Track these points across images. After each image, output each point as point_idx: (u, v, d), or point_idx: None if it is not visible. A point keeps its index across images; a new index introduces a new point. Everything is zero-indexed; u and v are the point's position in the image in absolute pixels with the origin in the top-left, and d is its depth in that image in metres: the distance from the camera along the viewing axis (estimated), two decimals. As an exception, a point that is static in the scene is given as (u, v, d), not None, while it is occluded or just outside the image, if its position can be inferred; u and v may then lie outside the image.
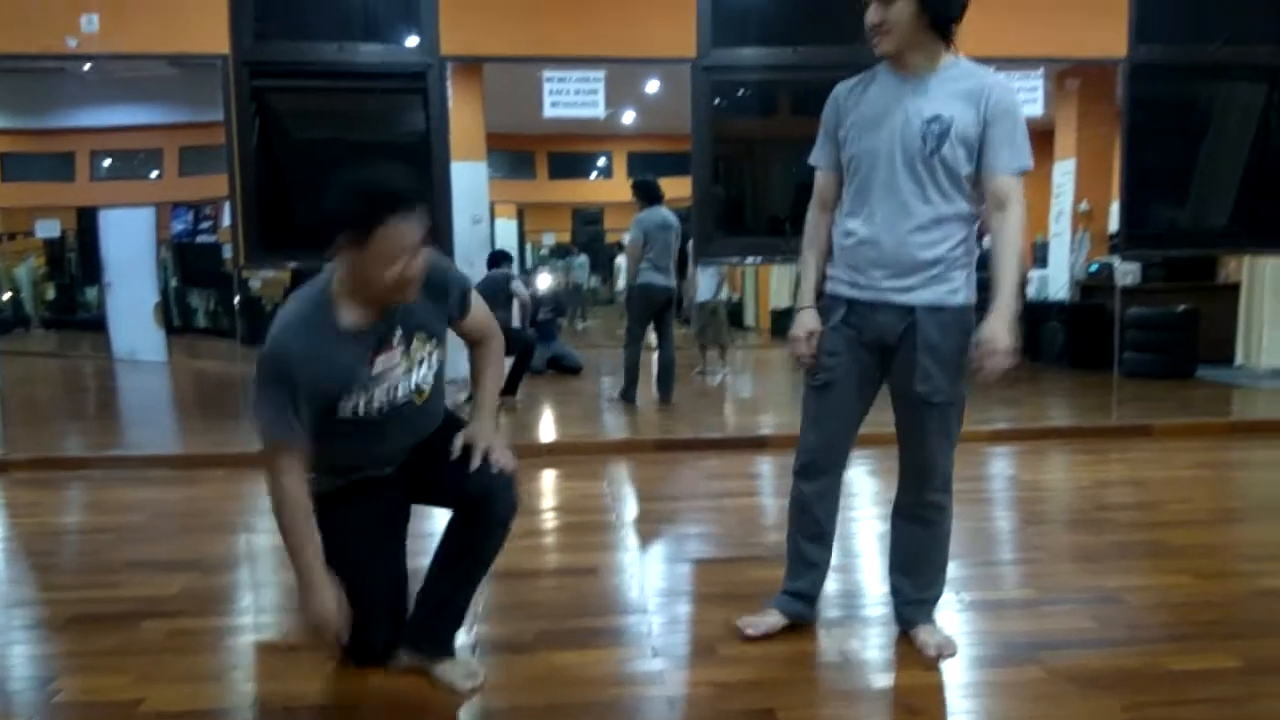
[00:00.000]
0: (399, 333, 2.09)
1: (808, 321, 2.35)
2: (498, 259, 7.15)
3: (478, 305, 2.27)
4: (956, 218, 2.20)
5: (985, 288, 2.20)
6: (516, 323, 7.00)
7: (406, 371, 2.13)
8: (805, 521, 2.45)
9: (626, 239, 6.73)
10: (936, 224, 2.18)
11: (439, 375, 2.24)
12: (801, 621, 2.50)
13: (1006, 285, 2.13)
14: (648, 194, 6.48)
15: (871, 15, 2.17)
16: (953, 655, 2.31)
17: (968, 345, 2.20)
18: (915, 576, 2.40)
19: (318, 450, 2.07)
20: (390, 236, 1.91)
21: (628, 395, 6.41)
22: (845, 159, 2.29)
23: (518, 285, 7.03)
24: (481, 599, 2.79)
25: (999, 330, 2.11)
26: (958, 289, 2.21)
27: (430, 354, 2.18)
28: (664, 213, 6.42)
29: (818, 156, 2.39)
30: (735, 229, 5.89)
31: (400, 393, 2.13)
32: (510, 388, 6.66)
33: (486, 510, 2.17)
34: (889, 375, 2.31)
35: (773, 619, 2.47)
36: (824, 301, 2.35)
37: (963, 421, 2.33)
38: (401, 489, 2.29)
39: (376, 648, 2.25)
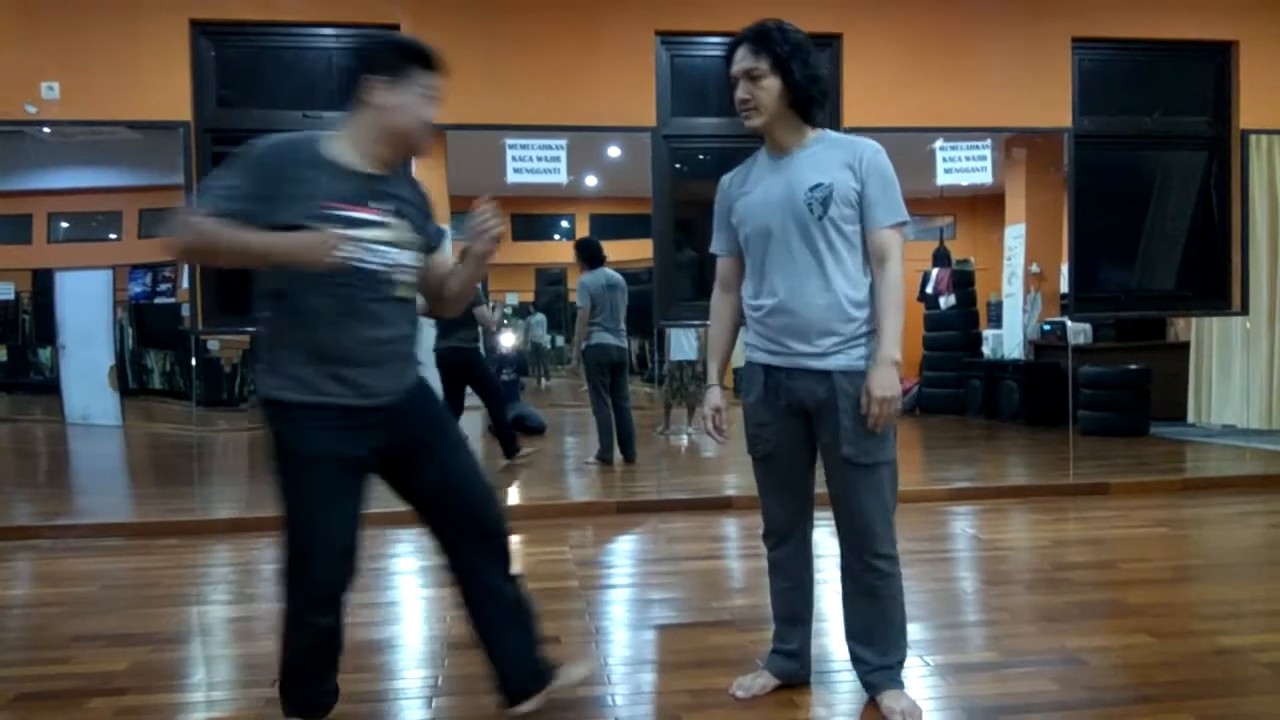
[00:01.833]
0: (388, 204, 2.07)
1: (714, 399, 2.47)
2: None
3: (446, 248, 2.29)
4: (856, 280, 2.28)
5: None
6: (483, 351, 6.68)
7: (389, 243, 2.06)
8: (781, 582, 2.51)
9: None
10: (837, 287, 2.26)
11: (411, 298, 2.16)
12: (794, 680, 2.52)
13: (888, 334, 2.24)
14: (590, 256, 6.57)
15: (740, 91, 2.31)
16: None
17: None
18: (875, 644, 2.39)
19: (291, 305, 2.01)
20: (425, 82, 2.09)
21: (604, 457, 6.41)
22: (741, 240, 2.41)
23: (482, 310, 6.58)
24: (439, 672, 2.74)
25: (884, 378, 2.21)
26: (872, 353, 2.27)
27: (410, 247, 2.12)
28: (608, 273, 6.50)
29: (717, 244, 2.51)
30: (697, 291, 5.95)
31: (373, 259, 2.02)
32: (509, 449, 6.55)
33: (479, 526, 2.21)
34: (817, 439, 2.35)
35: (764, 680, 2.52)
36: (744, 370, 2.44)
37: (897, 482, 2.36)
38: (369, 467, 2.15)
39: (325, 590, 2.12)
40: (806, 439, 2.37)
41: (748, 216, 2.36)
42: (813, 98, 2.31)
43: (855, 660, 2.44)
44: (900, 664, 2.41)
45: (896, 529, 2.36)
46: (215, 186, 1.99)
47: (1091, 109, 5.78)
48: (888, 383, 2.20)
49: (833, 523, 2.38)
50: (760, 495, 2.49)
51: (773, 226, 2.30)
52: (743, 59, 2.30)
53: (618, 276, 6.55)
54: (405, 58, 2.07)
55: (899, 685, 2.39)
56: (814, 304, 2.26)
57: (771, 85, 2.27)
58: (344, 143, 2.07)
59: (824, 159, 2.30)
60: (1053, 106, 5.70)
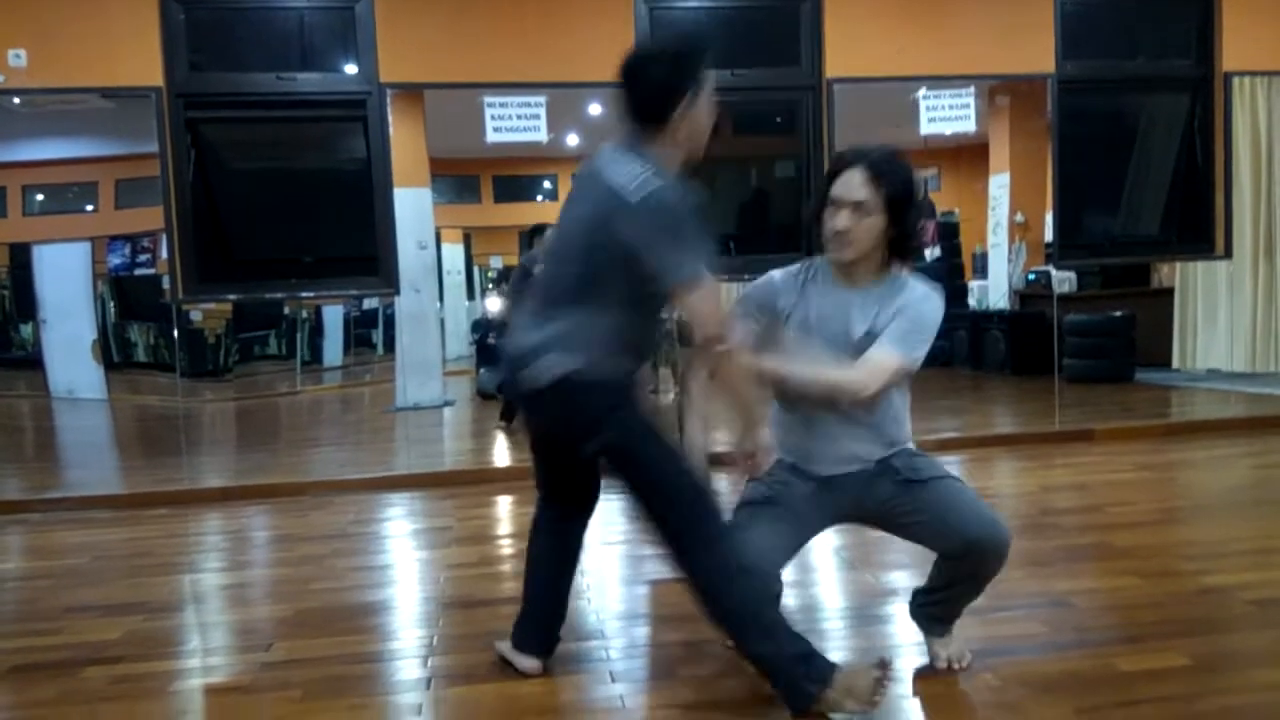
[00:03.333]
0: None
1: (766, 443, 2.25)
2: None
3: None
4: (897, 422, 2.24)
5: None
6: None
7: None
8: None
9: None
10: (876, 427, 2.21)
11: None
12: None
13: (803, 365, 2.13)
14: None
15: (842, 221, 2.10)
16: (965, 666, 2.32)
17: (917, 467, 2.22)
18: (947, 593, 2.32)
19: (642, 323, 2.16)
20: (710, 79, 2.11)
21: None
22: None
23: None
24: (435, 632, 2.75)
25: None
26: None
27: None
28: None
29: (745, 309, 2.29)
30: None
31: None
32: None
33: None
34: (874, 519, 2.32)
35: None
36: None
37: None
38: None
39: None
40: (820, 512, 2.30)
41: (802, 339, 2.21)
42: (910, 248, 2.17)
43: (921, 594, 2.38)
44: (958, 617, 2.37)
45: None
46: (708, 249, 2.06)
47: (1074, 54, 5.74)
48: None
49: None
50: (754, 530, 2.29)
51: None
52: (856, 185, 2.09)
53: None
54: (701, 57, 2.11)
55: (950, 631, 2.37)
56: (845, 438, 2.20)
57: (875, 224, 2.09)
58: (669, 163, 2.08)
59: (882, 305, 2.14)
60: (1035, 52, 5.66)
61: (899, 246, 2.14)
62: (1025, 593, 2.87)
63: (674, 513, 2.11)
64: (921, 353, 2.13)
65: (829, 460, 2.24)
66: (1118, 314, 7.62)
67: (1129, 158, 6.17)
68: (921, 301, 2.14)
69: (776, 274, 2.30)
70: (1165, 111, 6.13)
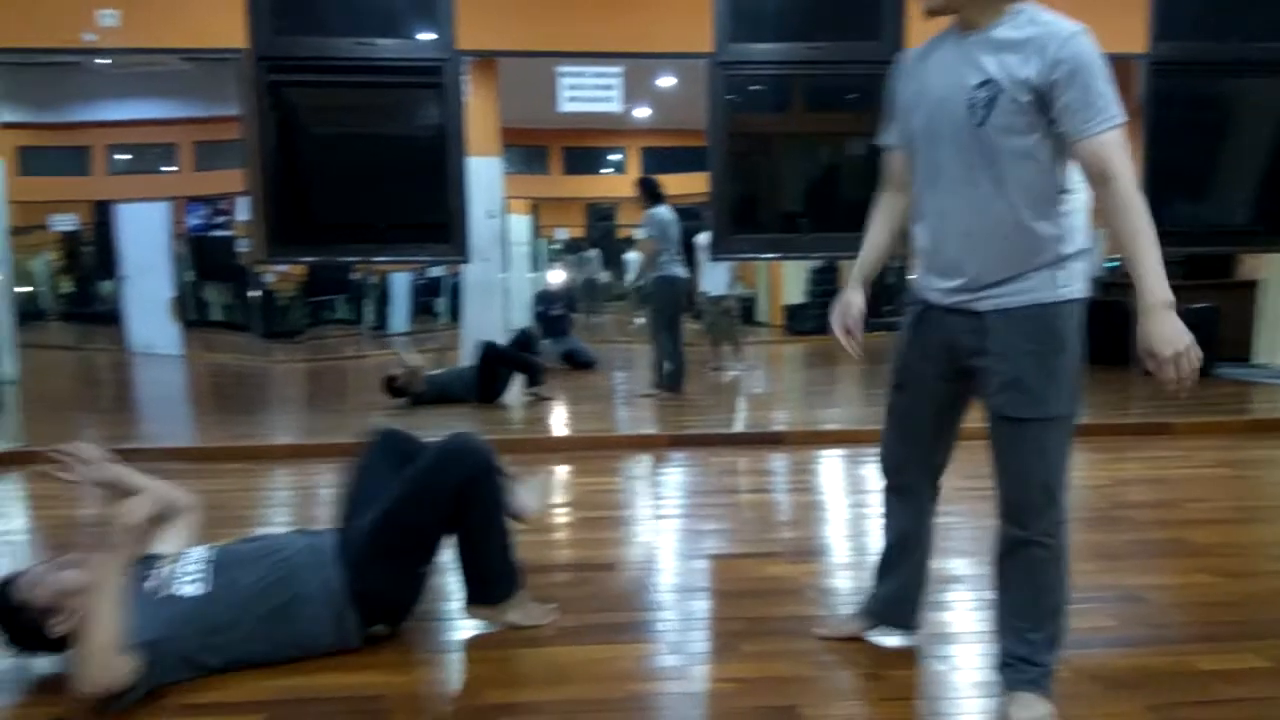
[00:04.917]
0: None
1: (845, 300, 2.15)
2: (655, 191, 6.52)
3: None
4: (1030, 203, 1.83)
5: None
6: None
7: None
8: (889, 523, 2.30)
9: (639, 234, 6.83)
10: (995, 213, 1.83)
11: None
12: (881, 623, 2.36)
13: (1143, 271, 1.71)
14: (654, 193, 6.57)
15: None
16: None
17: (1057, 349, 1.86)
18: (1013, 632, 2.01)
19: None
20: None
21: (675, 386, 6.45)
22: (905, 140, 2.01)
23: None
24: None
25: (1161, 328, 1.71)
26: (1034, 286, 1.85)
27: None
28: (670, 209, 6.53)
29: (884, 133, 2.13)
30: (750, 225, 5.88)
31: None
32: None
33: None
34: (975, 391, 2.02)
35: (850, 626, 2.38)
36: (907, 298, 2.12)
37: (1069, 445, 1.97)
38: None
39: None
40: (944, 382, 2.05)
41: (909, 113, 1.96)
42: None
43: (998, 644, 2.05)
44: (1040, 666, 1.97)
45: (1047, 495, 1.98)
46: None
47: (1168, 34, 5.53)
48: (1167, 333, 1.69)
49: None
50: (882, 425, 2.22)
51: (931, 128, 1.89)
52: None
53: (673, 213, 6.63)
54: None
55: (1034, 689, 1.96)
56: (960, 233, 1.88)
57: None
58: None
59: (1005, 47, 1.79)
60: (1126, 32, 5.47)
61: None
62: (1096, 585, 2.80)
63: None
64: (1113, 99, 1.75)
65: (939, 269, 1.96)
66: (1200, 306, 7.36)
67: (1221, 144, 5.95)
68: (1068, 45, 1.74)
69: (906, 53, 2.07)
70: (1262, 96, 5.89)
